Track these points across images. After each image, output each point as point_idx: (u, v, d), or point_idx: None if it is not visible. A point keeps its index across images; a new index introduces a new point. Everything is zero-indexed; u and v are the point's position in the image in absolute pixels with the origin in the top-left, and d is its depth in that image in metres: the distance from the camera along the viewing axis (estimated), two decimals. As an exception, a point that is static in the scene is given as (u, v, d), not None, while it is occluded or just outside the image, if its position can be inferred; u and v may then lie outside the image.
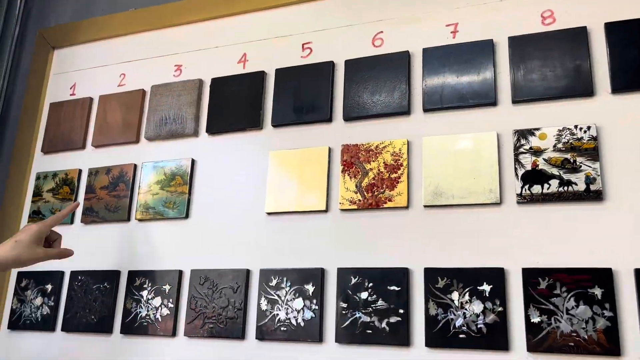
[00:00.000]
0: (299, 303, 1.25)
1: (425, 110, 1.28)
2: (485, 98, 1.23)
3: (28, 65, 1.84)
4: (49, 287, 1.52)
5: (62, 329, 1.48)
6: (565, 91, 1.17)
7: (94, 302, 1.45)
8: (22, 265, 1.17)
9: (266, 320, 1.27)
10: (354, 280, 1.22)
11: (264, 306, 1.28)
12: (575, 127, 1.14)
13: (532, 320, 1.07)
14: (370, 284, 1.20)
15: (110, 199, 1.54)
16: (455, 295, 1.13)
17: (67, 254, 1.26)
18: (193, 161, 1.48)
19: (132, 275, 1.44)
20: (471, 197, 1.18)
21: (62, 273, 1.53)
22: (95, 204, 1.55)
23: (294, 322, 1.24)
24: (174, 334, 1.35)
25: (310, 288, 1.25)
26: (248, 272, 1.33)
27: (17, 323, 1.53)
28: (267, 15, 1.53)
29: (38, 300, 1.52)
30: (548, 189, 1.13)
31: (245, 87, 1.47)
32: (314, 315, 1.23)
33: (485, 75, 1.24)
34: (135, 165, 1.55)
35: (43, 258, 1.19)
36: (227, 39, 1.56)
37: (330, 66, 1.39)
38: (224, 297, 1.32)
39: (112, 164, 1.57)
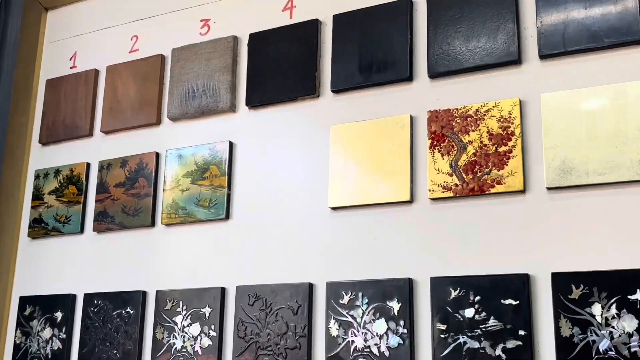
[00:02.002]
0: (381, 326, 1.25)
1: (543, 57, 1.24)
2: (627, 35, 1.18)
3: (16, 33, 1.91)
4: (59, 315, 1.58)
5: (78, 368, 1.54)
6: None
7: (116, 333, 1.50)
8: None
9: (339, 350, 1.27)
10: (454, 293, 1.20)
11: (334, 331, 1.28)
12: None
13: None
14: (477, 298, 1.18)
15: (129, 199, 1.58)
16: (596, 309, 1.10)
17: None
18: (231, 144, 1.50)
19: (162, 296, 1.47)
20: (614, 174, 1.14)
21: (73, 297, 1.58)
22: (109, 207, 1.60)
23: (375, 351, 1.24)
24: (219, 370, 1.39)
25: (395, 305, 1.24)
26: (311, 286, 1.33)
27: (23, 362, 1.60)
28: (317, -55, 1.52)
29: (47, 333, 1.59)
30: None
31: (294, 42, 1.47)
32: (402, 342, 1.22)
33: (626, 3, 1.19)
34: (157, 154, 1.58)
35: None
36: (266, -20, 1.57)
37: (406, 5, 1.37)
38: (282, 321, 1.33)
39: (128, 153, 1.61)
